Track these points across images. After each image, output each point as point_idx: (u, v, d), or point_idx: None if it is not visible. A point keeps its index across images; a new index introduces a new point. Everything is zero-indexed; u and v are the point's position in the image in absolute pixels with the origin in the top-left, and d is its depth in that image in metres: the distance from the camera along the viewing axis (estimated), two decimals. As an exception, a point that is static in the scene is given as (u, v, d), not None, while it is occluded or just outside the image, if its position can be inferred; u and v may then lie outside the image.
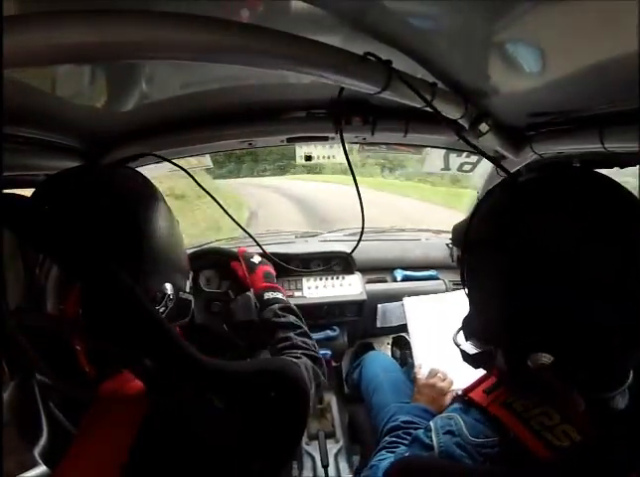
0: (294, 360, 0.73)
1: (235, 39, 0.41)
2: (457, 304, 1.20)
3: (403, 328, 1.27)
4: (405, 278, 1.54)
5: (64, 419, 0.49)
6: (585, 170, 0.53)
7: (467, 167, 1.28)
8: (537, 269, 0.48)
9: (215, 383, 0.54)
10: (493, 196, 0.59)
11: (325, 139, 1.09)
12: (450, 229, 0.76)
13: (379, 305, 1.51)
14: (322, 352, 1.32)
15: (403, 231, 1.86)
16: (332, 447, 1.40)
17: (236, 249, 1.19)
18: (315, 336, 1.38)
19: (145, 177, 0.65)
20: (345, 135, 0.89)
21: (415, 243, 1.70)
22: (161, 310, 0.60)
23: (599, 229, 0.46)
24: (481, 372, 0.61)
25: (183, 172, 0.95)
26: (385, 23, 0.53)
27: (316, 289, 1.41)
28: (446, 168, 1.30)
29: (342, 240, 1.62)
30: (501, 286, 0.52)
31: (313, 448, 1.39)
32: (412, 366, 1.14)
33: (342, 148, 0.76)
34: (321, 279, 1.44)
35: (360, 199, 0.78)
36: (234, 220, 1.04)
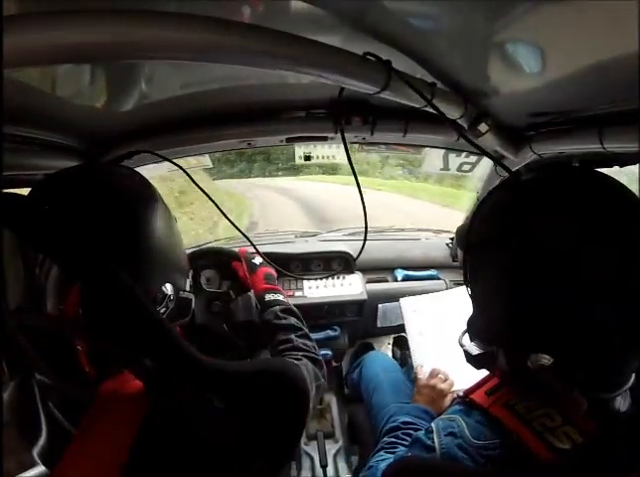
0: (295, 361, 0.73)
1: (235, 39, 0.41)
2: (454, 302, 1.21)
3: (404, 328, 1.27)
4: (406, 278, 1.54)
5: (63, 419, 0.49)
6: (586, 169, 0.53)
7: (466, 167, 1.28)
8: (538, 269, 0.48)
9: (215, 383, 0.54)
10: (493, 196, 0.59)
11: (325, 139, 1.09)
12: (451, 228, 0.75)
13: (379, 305, 1.51)
14: (322, 352, 1.32)
15: (404, 230, 1.86)
16: (331, 447, 1.40)
17: (237, 250, 1.19)
18: (316, 336, 1.38)
19: (143, 177, 0.65)
20: (345, 135, 0.89)
21: (416, 243, 1.71)
22: (162, 311, 0.60)
23: (601, 228, 0.45)
24: (482, 373, 0.61)
25: (185, 172, 0.95)
26: (384, 23, 0.53)
27: (317, 289, 1.41)
28: (445, 168, 1.30)
29: (342, 240, 1.63)
30: (502, 286, 0.52)
31: (312, 448, 1.39)
32: (412, 366, 1.14)
33: (344, 148, 0.76)
34: (321, 279, 1.44)
35: (362, 199, 0.77)
36: (231, 221, 1.02)
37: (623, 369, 0.50)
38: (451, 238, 1.64)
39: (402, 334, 1.50)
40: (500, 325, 0.54)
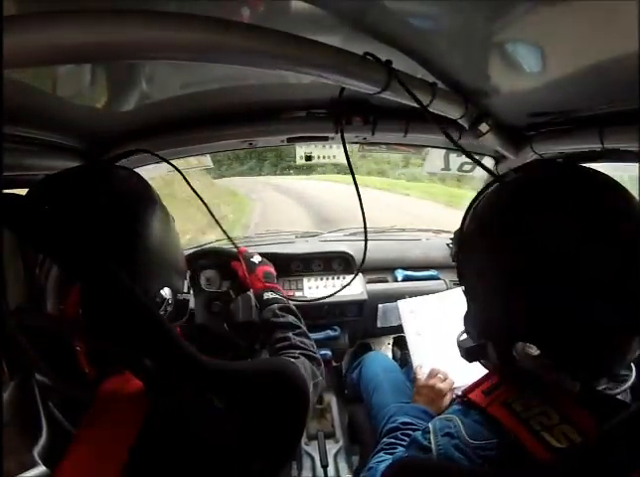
0: (292, 360, 0.73)
1: (235, 39, 0.41)
2: (452, 303, 1.21)
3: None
4: (406, 278, 1.54)
5: (63, 420, 0.49)
6: (576, 166, 0.53)
7: (467, 167, 1.28)
8: (524, 264, 0.49)
9: (215, 383, 0.54)
10: (481, 196, 0.60)
11: (325, 139, 1.09)
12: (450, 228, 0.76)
13: (379, 305, 1.51)
14: (322, 352, 1.33)
15: (404, 230, 1.86)
16: (331, 447, 1.40)
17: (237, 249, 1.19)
18: (316, 336, 1.39)
19: (142, 178, 0.65)
20: (345, 135, 0.89)
21: (416, 243, 1.71)
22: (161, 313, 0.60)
23: (587, 223, 0.46)
24: (481, 372, 0.61)
25: (180, 173, 0.94)
26: (385, 23, 0.53)
27: (317, 289, 1.41)
28: (446, 168, 1.30)
29: (342, 240, 1.63)
30: (488, 280, 0.54)
31: (312, 448, 1.39)
32: (412, 366, 1.14)
33: (342, 148, 0.75)
34: (322, 279, 1.44)
35: (360, 200, 0.77)
36: (219, 223, 0.97)
37: (620, 366, 0.50)
38: (451, 239, 1.63)
39: (402, 334, 1.50)
40: (487, 317, 0.56)
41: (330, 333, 1.46)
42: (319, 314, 1.41)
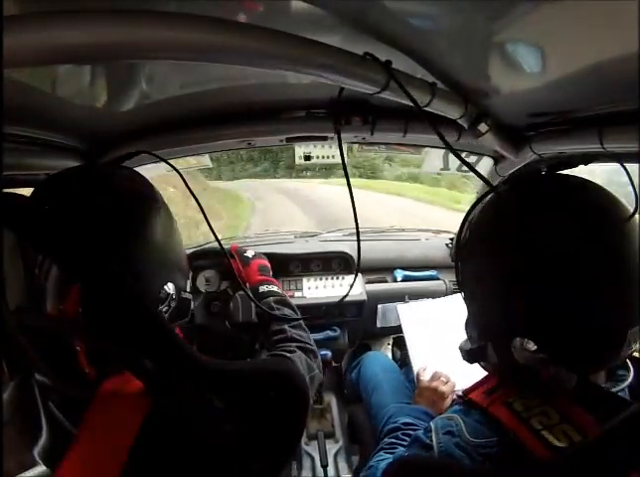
0: (288, 354, 0.74)
1: (235, 39, 0.41)
2: (452, 309, 1.21)
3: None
4: (406, 278, 1.54)
5: (63, 419, 0.49)
6: (568, 175, 0.55)
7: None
8: (520, 266, 0.50)
9: (215, 383, 0.54)
10: (480, 199, 0.62)
11: (324, 139, 1.09)
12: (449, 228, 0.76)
13: (379, 305, 1.51)
14: (322, 352, 1.33)
15: (403, 231, 1.86)
16: (331, 447, 1.40)
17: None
18: (316, 336, 1.39)
19: (144, 177, 0.65)
20: (344, 135, 0.89)
21: (415, 243, 1.71)
22: (164, 310, 0.60)
23: (582, 226, 0.48)
24: (482, 374, 0.61)
25: (189, 171, 0.94)
26: (385, 23, 0.53)
27: (316, 289, 1.41)
28: (446, 168, 1.30)
29: (342, 240, 1.63)
30: (487, 284, 0.56)
31: (312, 448, 1.39)
32: (412, 368, 1.14)
33: (339, 148, 0.74)
34: (321, 279, 1.44)
35: (352, 200, 0.74)
36: (210, 226, 0.87)
37: (608, 348, 0.51)
38: (451, 239, 1.64)
39: (402, 334, 1.51)
40: (486, 319, 0.58)
41: (330, 333, 1.46)
42: (318, 314, 1.41)
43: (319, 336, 1.42)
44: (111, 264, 0.46)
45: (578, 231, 0.48)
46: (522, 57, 0.56)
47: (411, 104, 0.62)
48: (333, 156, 1.30)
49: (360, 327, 1.54)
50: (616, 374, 0.55)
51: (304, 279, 1.44)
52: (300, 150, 1.27)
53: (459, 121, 0.76)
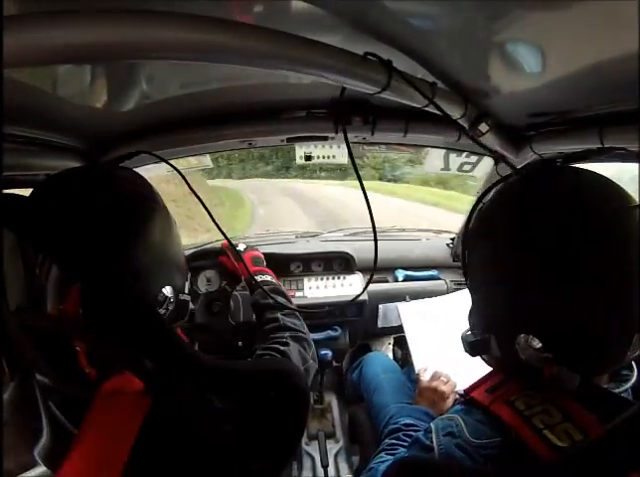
0: (281, 347, 0.74)
1: (235, 39, 0.41)
2: (453, 307, 1.21)
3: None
4: (407, 278, 1.54)
5: (64, 420, 0.49)
6: (579, 168, 0.54)
7: (467, 167, 1.28)
8: (527, 261, 0.49)
9: (215, 382, 0.54)
10: (486, 194, 0.61)
11: (325, 139, 1.09)
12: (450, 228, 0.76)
13: (380, 305, 1.51)
14: (323, 352, 1.33)
15: (404, 230, 1.86)
16: (332, 447, 1.40)
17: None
18: (317, 336, 1.39)
19: (144, 178, 0.65)
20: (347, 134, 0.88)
21: (416, 243, 1.71)
22: (161, 312, 0.60)
23: (589, 223, 0.47)
24: (484, 372, 0.61)
25: (189, 172, 0.94)
26: (385, 23, 0.53)
27: (317, 289, 1.41)
28: (446, 168, 1.30)
29: (343, 240, 1.63)
30: (493, 276, 0.55)
31: (313, 448, 1.39)
32: (413, 367, 1.14)
33: (346, 147, 0.74)
34: (322, 279, 1.44)
35: (367, 200, 0.74)
36: (215, 223, 0.89)
37: (611, 349, 0.50)
38: (452, 239, 1.64)
39: (403, 334, 1.51)
40: (491, 311, 0.57)
41: (331, 333, 1.46)
42: (319, 314, 1.41)
43: (320, 336, 1.42)
44: (111, 265, 0.46)
45: (590, 229, 0.46)
46: (522, 57, 0.56)
47: (412, 104, 0.62)
48: (334, 156, 1.30)
49: (361, 327, 1.54)
50: (620, 374, 0.55)
51: (305, 279, 1.44)
52: (301, 150, 1.27)
53: (459, 121, 0.76)
